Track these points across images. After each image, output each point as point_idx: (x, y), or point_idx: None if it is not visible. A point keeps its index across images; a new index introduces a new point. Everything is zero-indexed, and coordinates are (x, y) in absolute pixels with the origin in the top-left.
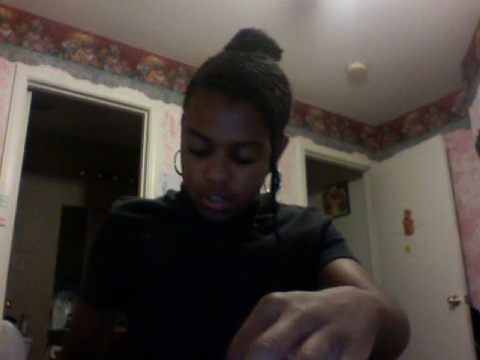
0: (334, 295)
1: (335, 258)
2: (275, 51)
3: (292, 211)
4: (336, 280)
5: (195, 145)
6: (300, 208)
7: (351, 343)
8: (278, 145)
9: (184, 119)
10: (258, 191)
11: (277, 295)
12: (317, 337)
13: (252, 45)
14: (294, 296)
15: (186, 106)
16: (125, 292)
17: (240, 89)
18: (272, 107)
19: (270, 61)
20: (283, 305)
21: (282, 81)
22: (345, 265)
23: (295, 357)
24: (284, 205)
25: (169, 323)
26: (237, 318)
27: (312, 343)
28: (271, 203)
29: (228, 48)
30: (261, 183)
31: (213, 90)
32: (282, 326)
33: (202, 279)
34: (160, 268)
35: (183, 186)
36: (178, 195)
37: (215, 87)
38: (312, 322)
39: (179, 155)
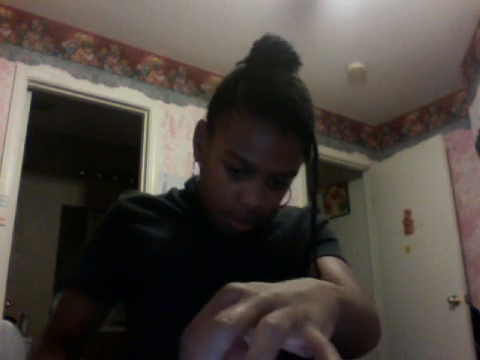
0: (293, 284)
1: (322, 255)
2: (297, 66)
3: (289, 212)
4: (320, 277)
5: (234, 167)
6: (297, 209)
7: (311, 322)
8: (316, 181)
9: (214, 130)
10: None
11: (235, 284)
12: (278, 312)
13: (283, 61)
14: (253, 285)
15: (222, 121)
16: (123, 286)
17: (292, 123)
18: (315, 140)
19: (303, 83)
20: (241, 293)
21: (312, 106)
22: (330, 263)
23: (257, 326)
24: (281, 206)
25: (169, 323)
26: None
27: (274, 314)
28: None
29: (255, 57)
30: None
31: (263, 119)
32: (240, 306)
33: (202, 279)
34: (161, 267)
35: (188, 185)
36: (182, 194)
37: (265, 116)
38: (270, 306)
39: (192, 159)
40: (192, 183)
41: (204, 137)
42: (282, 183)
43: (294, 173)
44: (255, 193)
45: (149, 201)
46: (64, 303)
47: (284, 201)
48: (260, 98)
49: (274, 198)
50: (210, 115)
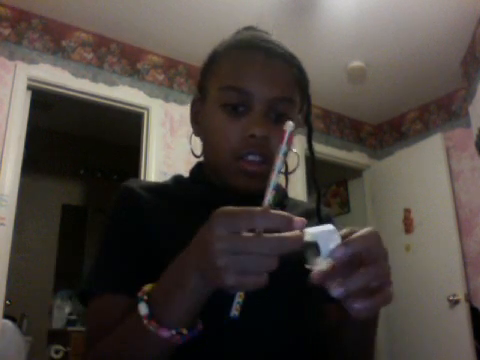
0: None
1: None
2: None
3: (308, 209)
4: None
5: (232, 100)
6: (304, 202)
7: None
8: (309, 104)
9: (206, 90)
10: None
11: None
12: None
13: (264, 31)
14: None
15: (212, 73)
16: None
17: (275, 50)
18: (301, 67)
19: None
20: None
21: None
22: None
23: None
24: (296, 200)
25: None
26: (253, 309)
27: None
28: (282, 195)
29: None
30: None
31: (249, 50)
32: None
33: None
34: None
35: (194, 170)
36: (190, 179)
37: (251, 48)
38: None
39: (193, 138)
40: (197, 167)
41: (199, 108)
42: (283, 114)
43: (291, 100)
44: (258, 121)
45: (156, 188)
46: (105, 311)
47: (293, 166)
48: (244, 38)
49: (280, 133)
50: (201, 82)
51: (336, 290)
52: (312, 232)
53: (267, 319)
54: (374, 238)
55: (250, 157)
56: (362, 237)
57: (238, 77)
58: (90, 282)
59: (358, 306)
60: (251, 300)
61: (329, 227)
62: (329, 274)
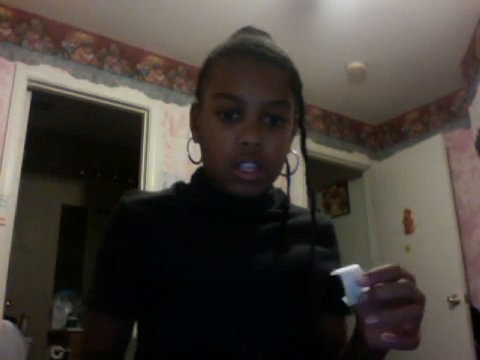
0: None
1: (342, 314)
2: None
3: (301, 210)
4: (342, 336)
5: (225, 108)
6: (304, 210)
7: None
8: (303, 106)
9: (201, 96)
10: (283, 163)
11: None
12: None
13: (256, 31)
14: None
15: (206, 80)
16: (147, 294)
17: (266, 55)
18: (294, 69)
19: None
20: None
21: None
22: (344, 326)
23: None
24: (297, 207)
25: (200, 325)
26: (260, 314)
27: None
28: (286, 205)
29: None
30: (286, 153)
31: (240, 56)
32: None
33: (228, 280)
34: (186, 269)
35: (195, 176)
36: (192, 184)
37: (241, 54)
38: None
39: (191, 144)
40: (199, 172)
41: (197, 114)
42: (278, 118)
43: (285, 103)
44: (250, 128)
45: (155, 200)
46: (91, 327)
47: (293, 166)
48: (234, 45)
49: (275, 138)
50: (197, 89)
51: (370, 319)
52: (340, 272)
53: (266, 331)
54: (405, 288)
55: (244, 165)
56: (392, 287)
57: (230, 84)
58: (91, 298)
59: (386, 340)
60: (250, 314)
61: (355, 268)
62: (369, 303)
